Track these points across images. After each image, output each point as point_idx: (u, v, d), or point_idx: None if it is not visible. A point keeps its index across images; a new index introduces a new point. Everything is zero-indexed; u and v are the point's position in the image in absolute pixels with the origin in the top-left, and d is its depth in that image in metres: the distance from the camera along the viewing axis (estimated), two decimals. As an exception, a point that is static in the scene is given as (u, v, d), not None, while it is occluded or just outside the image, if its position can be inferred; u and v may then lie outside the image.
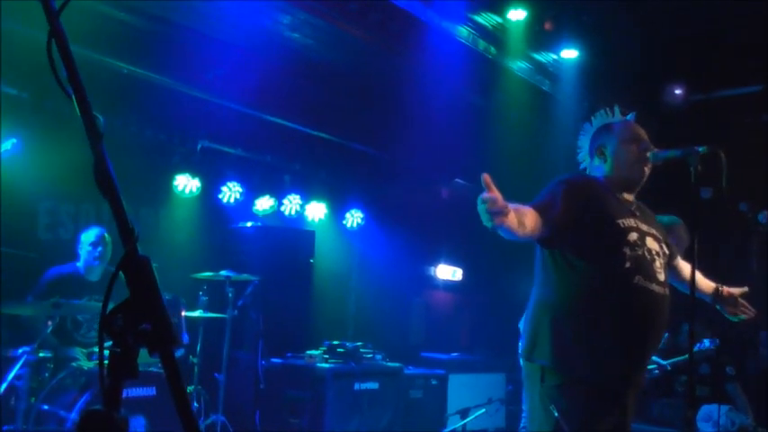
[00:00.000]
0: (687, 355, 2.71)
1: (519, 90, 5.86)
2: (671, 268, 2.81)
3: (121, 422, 0.98)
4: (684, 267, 2.92)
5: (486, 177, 2.19)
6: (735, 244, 4.12)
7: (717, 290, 2.66)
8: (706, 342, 4.26)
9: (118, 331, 0.99)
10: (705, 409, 4.89)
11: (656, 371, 4.15)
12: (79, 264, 4.68)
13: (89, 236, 4.66)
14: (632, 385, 2.67)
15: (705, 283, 2.91)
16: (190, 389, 4.55)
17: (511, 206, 2.36)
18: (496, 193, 2.19)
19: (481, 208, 2.18)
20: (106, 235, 4.70)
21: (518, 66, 5.70)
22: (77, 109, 1.10)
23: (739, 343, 5.35)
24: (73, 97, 1.10)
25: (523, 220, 2.39)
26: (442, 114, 5.73)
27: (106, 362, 1.00)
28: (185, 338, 4.61)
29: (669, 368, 2.78)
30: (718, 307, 2.67)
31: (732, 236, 4.36)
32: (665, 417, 5.04)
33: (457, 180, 7.33)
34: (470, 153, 6.42)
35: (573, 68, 5.68)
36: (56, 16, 1.11)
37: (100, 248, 4.63)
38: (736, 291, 2.84)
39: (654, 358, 2.71)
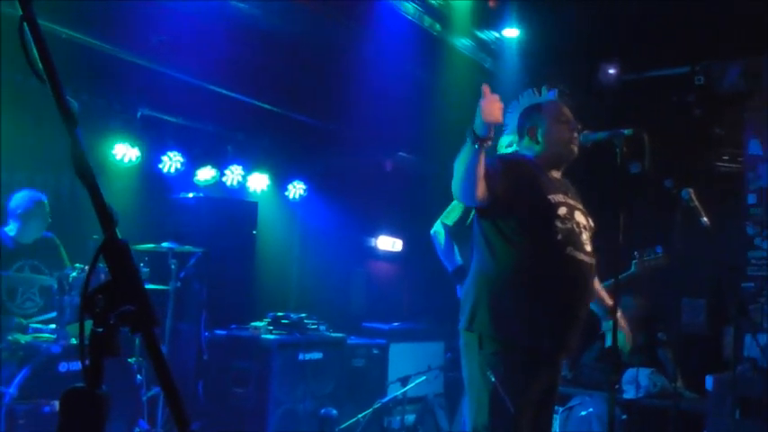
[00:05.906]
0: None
1: (462, 67, 5.98)
2: None
3: (104, 398, 1.03)
4: None
5: (484, 87, 2.55)
6: (659, 219, 4.34)
7: (612, 309, 2.83)
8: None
9: (99, 312, 1.04)
10: (630, 373, 5.17)
11: None
12: (8, 228, 4.53)
13: (21, 199, 4.51)
14: (565, 349, 2.86)
15: (606, 299, 3.03)
16: (131, 360, 4.53)
17: None
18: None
19: (486, 108, 2.49)
20: (45, 200, 4.57)
21: (462, 43, 5.80)
22: (52, 94, 1.11)
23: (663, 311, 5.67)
24: (46, 82, 1.12)
25: None
26: (386, 88, 5.77)
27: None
28: None
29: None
30: (603, 324, 2.95)
31: (656, 211, 4.59)
32: (593, 379, 5.31)
33: (400, 153, 7.42)
34: (413, 127, 6.50)
35: (514, 47, 5.82)
36: (28, 1, 1.11)
37: (37, 211, 4.50)
38: (625, 325, 2.93)
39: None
